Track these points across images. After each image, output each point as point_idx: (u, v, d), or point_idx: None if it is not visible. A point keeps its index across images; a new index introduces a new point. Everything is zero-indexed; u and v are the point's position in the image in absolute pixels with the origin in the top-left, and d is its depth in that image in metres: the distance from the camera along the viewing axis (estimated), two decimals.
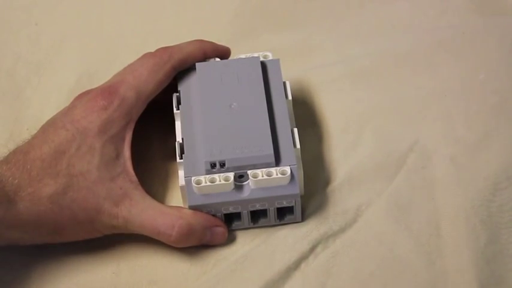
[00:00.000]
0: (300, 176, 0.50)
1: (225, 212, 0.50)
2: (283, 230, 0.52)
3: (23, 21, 0.66)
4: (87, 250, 0.52)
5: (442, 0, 0.65)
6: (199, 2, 0.67)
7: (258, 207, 0.50)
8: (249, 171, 0.49)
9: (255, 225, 0.51)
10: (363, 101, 0.59)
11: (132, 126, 0.52)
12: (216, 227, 0.51)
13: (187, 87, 0.55)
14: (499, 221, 0.51)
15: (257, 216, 0.51)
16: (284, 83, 0.54)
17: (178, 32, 0.63)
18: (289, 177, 0.49)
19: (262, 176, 0.49)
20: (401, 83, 0.60)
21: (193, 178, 0.49)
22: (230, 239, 0.52)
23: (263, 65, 0.55)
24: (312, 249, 0.51)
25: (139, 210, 0.49)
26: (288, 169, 0.49)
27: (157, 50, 0.55)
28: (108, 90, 0.52)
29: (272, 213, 0.51)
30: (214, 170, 0.50)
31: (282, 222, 0.51)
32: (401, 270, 0.49)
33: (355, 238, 0.51)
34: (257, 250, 0.51)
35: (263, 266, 0.50)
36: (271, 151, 0.50)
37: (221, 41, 0.58)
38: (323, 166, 0.55)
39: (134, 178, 0.51)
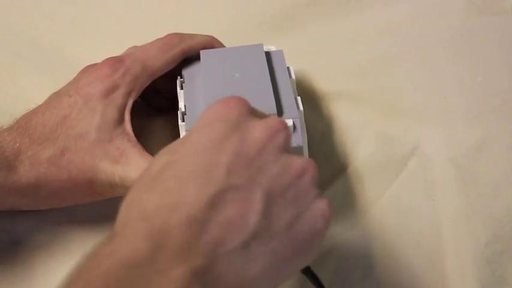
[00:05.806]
0: (303, 131, 0.48)
1: None
2: None
3: (22, 25, 0.66)
4: None
5: (441, 2, 0.65)
6: (198, 10, 0.67)
7: None
8: None
9: None
10: (363, 104, 0.59)
11: (134, 96, 0.52)
12: None
13: (191, 71, 0.54)
14: (499, 222, 0.51)
15: None
16: (288, 67, 0.54)
17: None
18: (291, 128, 0.47)
19: None
20: (400, 85, 0.60)
21: None
22: None
23: (267, 54, 0.54)
24: None
25: (135, 165, 0.49)
26: (290, 120, 0.47)
27: (169, 34, 0.55)
28: (114, 60, 0.52)
29: None
30: None
31: None
32: (402, 272, 0.49)
33: (356, 240, 0.51)
34: None
35: None
36: (273, 102, 0.48)
37: None
38: (323, 168, 0.55)
39: (133, 138, 0.50)
